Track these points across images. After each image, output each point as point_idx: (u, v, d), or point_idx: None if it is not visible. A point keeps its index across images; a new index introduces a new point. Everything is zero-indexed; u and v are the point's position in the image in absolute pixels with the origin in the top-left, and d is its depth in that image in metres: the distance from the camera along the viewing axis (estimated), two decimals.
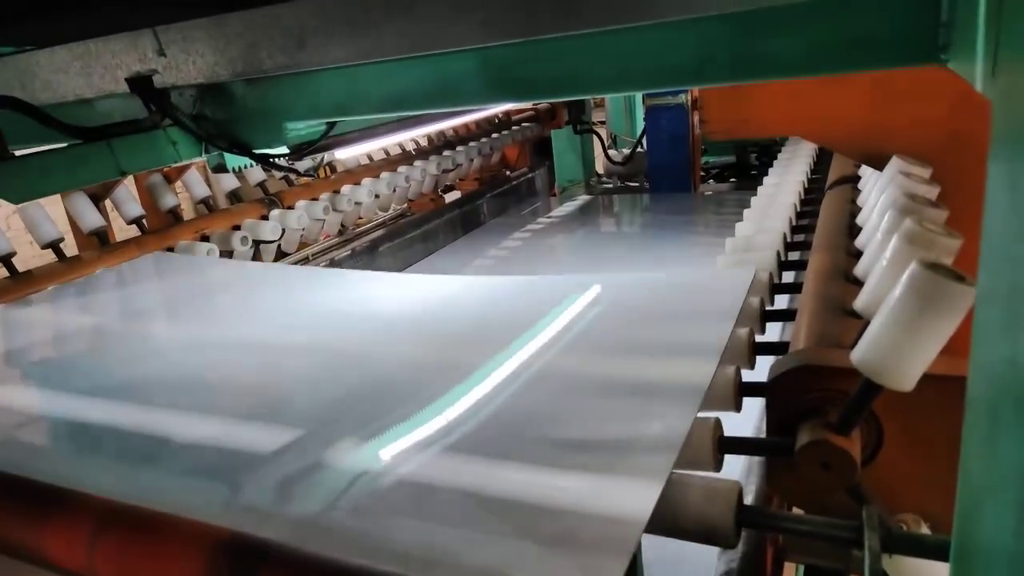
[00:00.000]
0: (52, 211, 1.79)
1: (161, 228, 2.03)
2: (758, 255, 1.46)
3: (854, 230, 1.33)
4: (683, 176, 3.85)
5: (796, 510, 0.89)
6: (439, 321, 1.36)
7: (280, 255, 2.36)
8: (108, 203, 2.02)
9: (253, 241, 2.16)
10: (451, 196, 3.73)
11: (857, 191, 1.61)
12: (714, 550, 0.84)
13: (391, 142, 2.78)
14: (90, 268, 1.79)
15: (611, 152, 4.39)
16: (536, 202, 4.14)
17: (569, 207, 3.93)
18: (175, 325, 1.53)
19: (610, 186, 4.32)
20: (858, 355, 0.70)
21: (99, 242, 1.89)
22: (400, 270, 2.89)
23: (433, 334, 1.28)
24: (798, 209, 1.90)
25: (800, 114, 1.48)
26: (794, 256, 1.60)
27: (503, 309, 1.39)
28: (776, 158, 2.57)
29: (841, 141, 1.52)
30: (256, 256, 2.20)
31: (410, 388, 1.07)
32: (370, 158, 2.91)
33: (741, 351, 1.07)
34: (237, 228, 2.15)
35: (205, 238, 2.07)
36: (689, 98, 3.68)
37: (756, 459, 1.09)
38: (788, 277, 1.54)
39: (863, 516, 0.69)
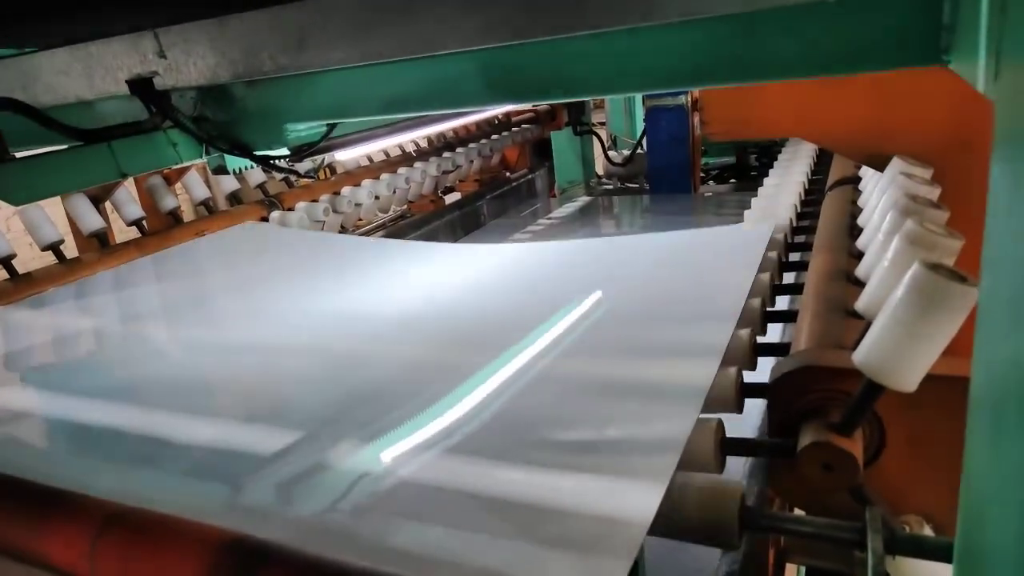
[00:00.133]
0: (52, 213, 1.79)
1: (161, 230, 2.03)
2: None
3: (855, 231, 1.33)
4: (683, 177, 3.85)
5: (797, 511, 0.89)
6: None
7: None
8: (108, 205, 2.02)
9: None
10: (451, 197, 3.73)
11: (858, 192, 1.61)
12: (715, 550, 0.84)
13: (391, 143, 2.78)
14: (90, 270, 1.79)
15: (611, 153, 4.38)
16: (536, 203, 4.14)
17: (569, 208, 3.93)
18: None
19: (610, 187, 4.31)
20: (860, 356, 0.70)
21: (99, 244, 1.89)
22: None
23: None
24: (799, 210, 1.90)
25: (800, 115, 1.48)
26: (795, 257, 1.60)
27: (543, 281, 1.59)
28: (776, 159, 2.57)
29: (842, 142, 1.52)
30: None
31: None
32: (370, 159, 2.91)
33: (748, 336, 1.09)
34: None
35: None
36: (689, 99, 3.68)
37: (758, 460, 1.09)
38: (789, 278, 1.55)
39: (866, 517, 0.69)
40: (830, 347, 0.91)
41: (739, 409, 0.96)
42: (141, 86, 1.29)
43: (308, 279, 1.77)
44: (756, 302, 1.23)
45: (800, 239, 1.70)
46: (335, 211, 2.52)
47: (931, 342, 0.65)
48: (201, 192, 2.21)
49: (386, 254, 1.96)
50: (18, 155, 1.23)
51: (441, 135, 3.30)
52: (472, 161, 3.38)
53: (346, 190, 2.59)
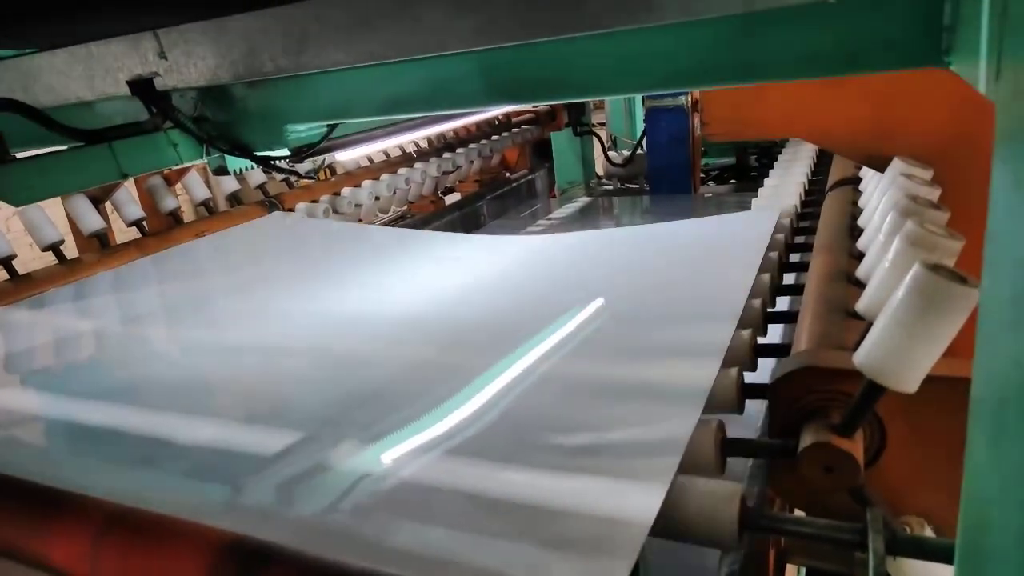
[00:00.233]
0: (52, 213, 1.79)
1: (161, 230, 2.03)
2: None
3: (855, 232, 1.33)
4: (683, 178, 3.85)
5: (798, 512, 0.89)
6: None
7: None
8: (108, 205, 2.02)
9: None
10: (451, 198, 3.73)
11: (858, 193, 1.61)
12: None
13: (391, 144, 2.78)
14: (90, 270, 1.79)
15: (611, 154, 4.38)
16: (536, 204, 4.14)
17: (569, 209, 3.93)
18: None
19: (610, 188, 4.31)
20: (861, 357, 0.70)
21: (99, 244, 1.89)
22: None
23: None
24: (799, 211, 1.90)
25: (801, 116, 1.48)
26: (795, 258, 1.60)
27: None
28: (776, 160, 2.57)
29: (842, 143, 1.52)
30: None
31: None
32: (370, 160, 2.91)
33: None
34: None
35: None
36: (689, 100, 3.68)
37: (758, 461, 1.09)
38: (790, 279, 1.55)
39: (867, 518, 0.69)
40: (831, 348, 0.91)
41: (740, 410, 0.96)
42: (142, 87, 1.29)
43: (334, 270, 1.83)
44: (757, 303, 1.23)
45: (800, 240, 1.70)
46: (335, 212, 2.52)
47: (932, 343, 0.65)
48: (201, 193, 2.21)
49: (411, 244, 2.06)
50: (19, 156, 1.23)
51: (441, 136, 3.31)
52: (472, 162, 3.38)
53: (346, 191, 2.59)
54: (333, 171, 2.79)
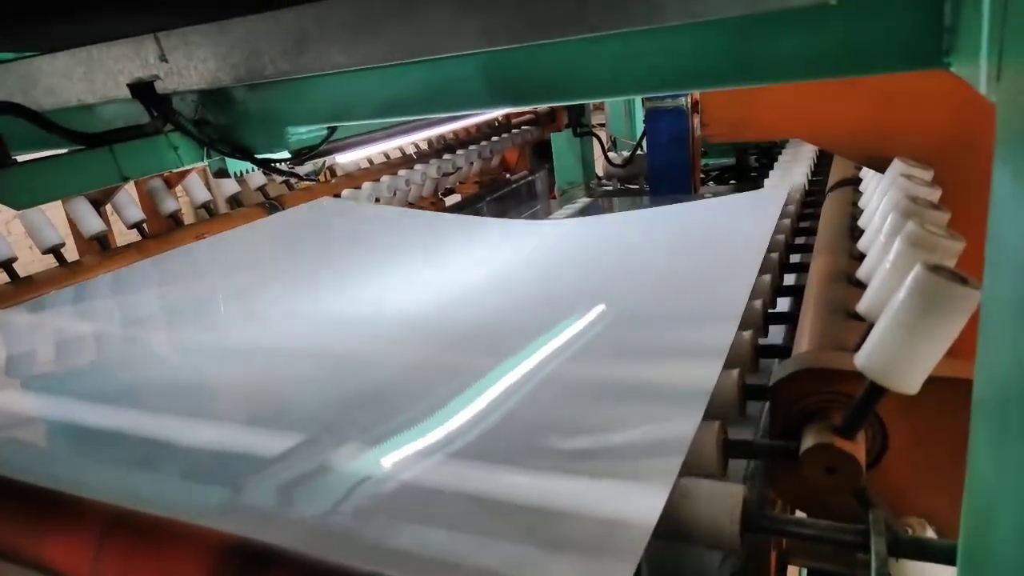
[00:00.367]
0: (52, 216, 1.79)
1: (162, 232, 2.03)
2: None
3: (856, 233, 1.33)
4: (683, 178, 3.85)
5: (799, 513, 0.89)
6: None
7: None
8: (109, 208, 2.02)
9: None
10: (451, 199, 3.73)
11: (858, 193, 1.61)
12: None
13: (392, 146, 2.78)
14: (91, 273, 1.79)
15: (611, 155, 4.38)
16: (536, 205, 4.14)
17: (569, 209, 3.93)
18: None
19: (610, 188, 4.31)
20: (862, 358, 0.70)
21: (100, 247, 1.89)
22: None
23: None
24: (799, 211, 1.90)
25: (801, 117, 1.48)
26: (795, 259, 1.60)
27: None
28: (776, 160, 2.57)
29: (842, 144, 1.52)
30: None
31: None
32: (370, 161, 2.91)
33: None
34: None
35: None
36: (689, 101, 3.68)
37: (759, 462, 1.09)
38: (790, 280, 1.55)
39: (869, 520, 0.69)
40: (832, 349, 0.91)
41: (741, 412, 0.96)
42: (142, 90, 1.29)
43: (372, 258, 1.95)
44: (758, 304, 1.23)
45: (801, 240, 1.70)
46: None
47: (933, 344, 0.65)
48: (202, 195, 2.21)
49: (451, 230, 2.24)
50: (19, 159, 1.23)
51: (441, 137, 3.31)
52: (472, 163, 3.38)
53: (346, 192, 2.59)
54: (333, 173, 2.79)
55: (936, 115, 1.33)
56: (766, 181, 2.17)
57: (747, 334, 1.11)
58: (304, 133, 1.44)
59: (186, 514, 0.70)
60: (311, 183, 2.39)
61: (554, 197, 4.28)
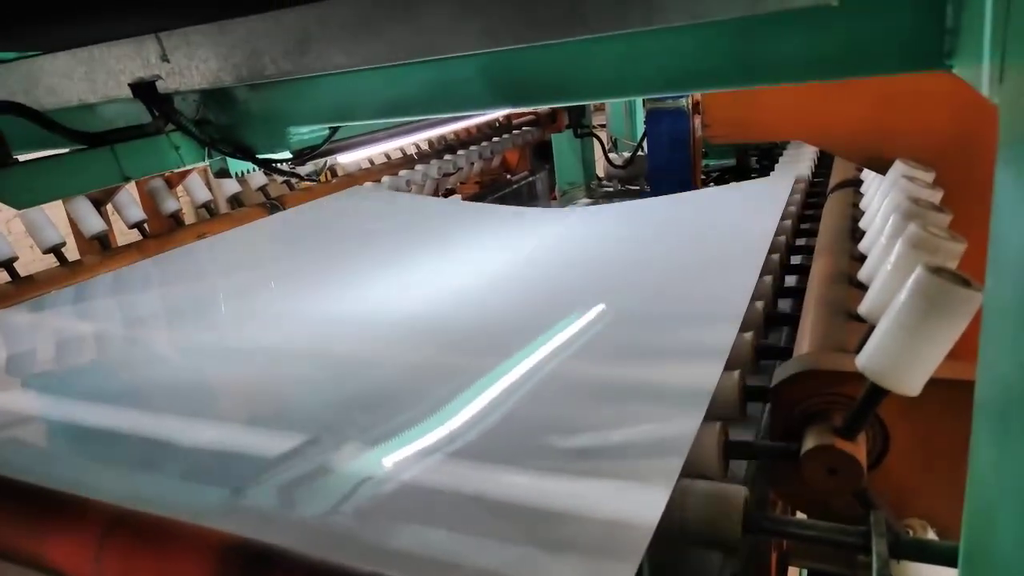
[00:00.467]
0: (53, 215, 1.79)
1: (162, 232, 2.03)
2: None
3: (857, 234, 1.33)
4: (683, 179, 3.85)
5: (800, 514, 0.89)
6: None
7: None
8: (109, 207, 2.02)
9: None
10: (452, 200, 3.73)
11: (859, 195, 1.61)
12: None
13: (393, 146, 2.78)
14: (91, 272, 1.79)
15: (611, 155, 4.39)
16: (536, 205, 4.14)
17: None
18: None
19: (610, 189, 4.31)
20: (863, 359, 0.70)
21: (100, 246, 1.89)
22: None
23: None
24: (800, 212, 1.90)
25: (802, 118, 1.48)
26: (796, 260, 1.60)
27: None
28: (777, 161, 2.57)
29: (843, 145, 1.52)
30: None
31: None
32: (371, 162, 2.91)
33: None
34: None
35: None
36: (690, 101, 3.68)
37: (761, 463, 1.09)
38: (791, 281, 1.55)
39: (870, 521, 0.69)
40: (833, 350, 0.91)
41: (742, 414, 0.96)
42: (144, 89, 1.29)
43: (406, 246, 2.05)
44: (759, 305, 1.23)
45: (802, 242, 1.70)
46: None
47: (934, 346, 0.65)
48: (202, 194, 2.21)
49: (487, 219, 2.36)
50: (21, 158, 1.23)
51: (442, 137, 3.31)
52: (473, 163, 3.38)
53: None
54: (334, 173, 2.79)
55: (937, 116, 1.33)
56: (772, 174, 2.23)
57: (748, 335, 1.11)
58: (305, 133, 1.44)
59: (187, 514, 0.70)
60: (312, 183, 2.39)
61: (555, 198, 4.28)
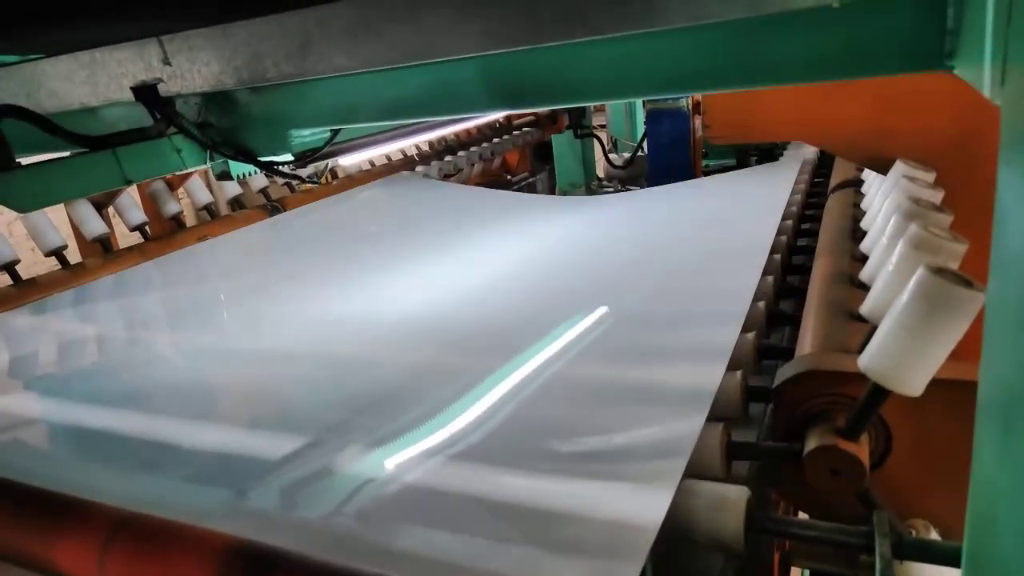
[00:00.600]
0: (55, 218, 1.79)
1: (164, 234, 2.03)
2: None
3: (858, 234, 1.33)
4: (684, 179, 3.85)
5: (802, 515, 0.89)
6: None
7: None
8: (111, 210, 2.03)
9: None
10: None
11: (860, 195, 1.61)
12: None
13: (394, 148, 2.78)
14: (93, 275, 1.79)
15: (612, 156, 4.39)
16: None
17: None
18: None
19: (611, 190, 4.31)
20: (865, 360, 0.70)
21: (102, 249, 1.89)
22: None
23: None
24: (801, 212, 1.90)
25: (803, 118, 1.48)
26: (798, 260, 1.60)
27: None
28: (777, 162, 2.57)
29: (844, 145, 1.52)
30: None
31: None
32: (372, 163, 2.91)
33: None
34: None
35: None
36: (690, 102, 3.68)
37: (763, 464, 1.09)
38: (793, 281, 1.55)
39: (873, 522, 0.69)
40: (835, 351, 0.91)
41: (744, 414, 0.96)
42: (146, 93, 1.29)
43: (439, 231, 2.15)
44: (760, 305, 1.23)
45: (803, 242, 1.70)
46: None
47: (937, 346, 0.65)
48: (204, 197, 2.21)
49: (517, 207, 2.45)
50: (23, 162, 1.23)
51: (442, 139, 3.31)
52: (473, 164, 3.38)
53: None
54: (335, 175, 2.79)
55: (938, 117, 1.33)
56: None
57: (749, 336, 1.11)
58: (307, 136, 1.45)
59: (190, 516, 0.70)
60: (313, 185, 2.39)
61: None
